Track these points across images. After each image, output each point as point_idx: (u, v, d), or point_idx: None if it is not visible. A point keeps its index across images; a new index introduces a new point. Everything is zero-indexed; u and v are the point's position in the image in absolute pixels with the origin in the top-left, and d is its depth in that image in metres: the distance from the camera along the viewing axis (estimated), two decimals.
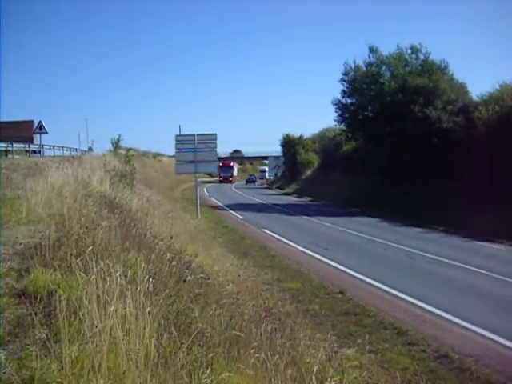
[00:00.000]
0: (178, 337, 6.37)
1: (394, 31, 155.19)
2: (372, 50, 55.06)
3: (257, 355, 6.77)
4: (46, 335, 5.70)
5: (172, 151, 44.85)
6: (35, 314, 6.01)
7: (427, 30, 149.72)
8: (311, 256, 24.11)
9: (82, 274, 6.81)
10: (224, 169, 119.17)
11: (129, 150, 42.91)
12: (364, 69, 55.44)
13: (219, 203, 55.92)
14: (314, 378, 6.90)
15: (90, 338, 5.52)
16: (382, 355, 11.54)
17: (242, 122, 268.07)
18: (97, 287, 6.36)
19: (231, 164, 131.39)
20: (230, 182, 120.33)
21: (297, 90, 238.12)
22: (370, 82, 53.87)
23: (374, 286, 18.32)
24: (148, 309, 6.31)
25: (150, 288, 7.02)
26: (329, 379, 7.24)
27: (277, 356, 7.04)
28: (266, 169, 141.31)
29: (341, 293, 17.17)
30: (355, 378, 8.66)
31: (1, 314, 6.37)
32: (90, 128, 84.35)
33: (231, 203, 54.82)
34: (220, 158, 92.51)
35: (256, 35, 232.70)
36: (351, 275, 20.11)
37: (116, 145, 41.53)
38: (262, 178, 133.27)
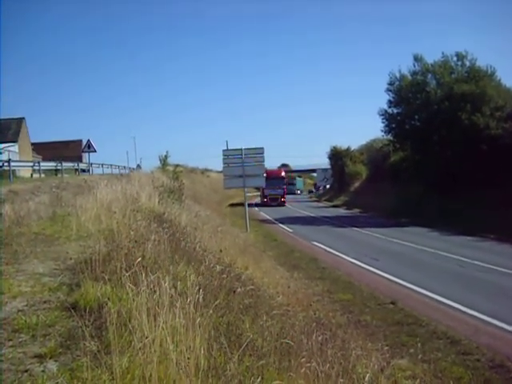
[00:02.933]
0: (229, 347, 6.34)
1: (439, 43, 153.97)
2: (417, 58, 54.81)
3: (308, 364, 6.68)
4: (97, 347, 5.73)
5: (220, 167, 44.86)
6: (86, 326, 6.05)
7: (473, 36, 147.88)
8: (361, 267, 23.96)
9: (131, 286, 6.83)
10: (272, 182, 73.41)
11: (176, 166, 43.18)
12: (409, 78, 55.26)
13: (268, 217, 55.99)
14: None
15: (140, 349, 5.53)
16: (435, 365, 11.33)
17: (289, 136, 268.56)
18: (147, 299, 6.38)
19: (282, 174, 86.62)
20: (283, 203, 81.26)
21: (344, 102, 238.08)
22: (416, 91, 53.45)
23: (426, 296, 18.10)
24: (198, 320, 6.29)
25: (200, 300, 7.00)
26: None
27: (328, 365, 6.95)
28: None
29: (392, 303, 17.01)
30: None
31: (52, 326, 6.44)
32: (138, 146, 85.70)
33: (280, 217, 54.83)
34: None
35: (303, 50, 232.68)
36: (402, 285, 19.91)
37: (164, 161, 41.88)
38: (311, 191, 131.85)
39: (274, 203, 80.00)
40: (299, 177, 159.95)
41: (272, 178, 75.47)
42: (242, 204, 38.68)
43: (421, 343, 12.48)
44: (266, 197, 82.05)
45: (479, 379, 10.58)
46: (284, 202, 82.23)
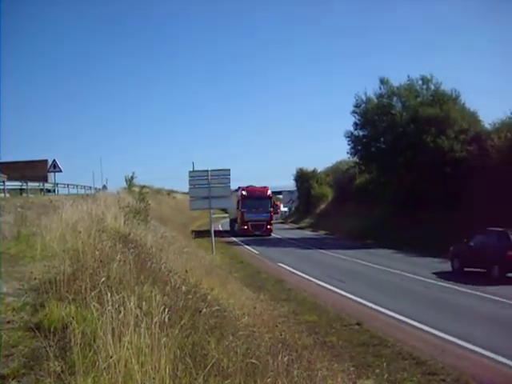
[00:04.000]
0: (194, 367, 6.31)
1: (403, 65, 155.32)
2: (383, 81, 55.34)
3: None
4: (61, 367, 5.68)
5: (186, 188, 44.64)
6: (50, 346, 5.99)
7: (438, 61, 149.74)
8: (327, 288, 24.06)
9: (96, 306, 6.79)
10: (254, 203, 62.12)
11: (143, 187, 42.90)
12: (375, 100, 55.76)
13: (234, 239, 55.87)
14: None
15: (104, 369, 5.49)
16: None
17: (255, 158, 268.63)
18: (111, 319, 6.33)
19: (268, 193, 65.69)
20: (269, 232, 62.17)
21: (309, 123, 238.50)
22: (382, 114, 53.94)
23: (391, 317, 18.23)
24: (163, 340, 6.25)
25: (166, 320, 6.97)
26: None
27: None
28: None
29: (358, 324, 17.08)
30: None
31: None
32: (104, 166, 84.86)
33: (246, 239, 54.74)
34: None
35: (265, 74, 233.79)
36: (368, 306, 20.01)
37: (130, 182, 41.60)
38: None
39: (257, 231, 60.50)
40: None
41: (254, 197, 62.87)
42: (207, 231, 38.10)
43: (386, 364, 12.55)
44: (245, 223, 61.43)
45: None
46: (270, 230, 62.73)
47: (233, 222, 69.88)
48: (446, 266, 31.00)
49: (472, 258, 28.78)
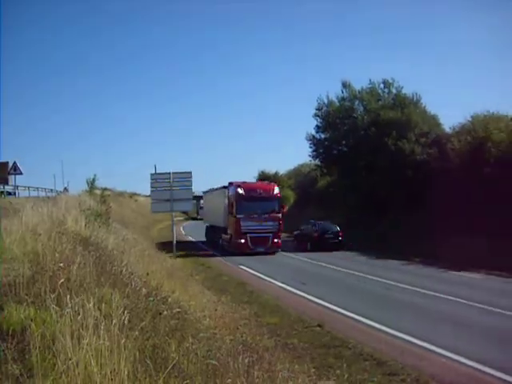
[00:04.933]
0: (154, 369, 6.31)
1: (365, 66, 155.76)
2: (345, 85, 55.92)
3: None
4: (20, 370, 5.64)
5: (148, 191, 44.39)
6: (8, 349, 5.95)
7: (400, 62, 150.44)
8: (289, 291, 24.11)
9: (56, 308, 6.76)
10: (253, 205, 42.86)
11: (104, 189, 42.61)
12: (337, 104, 56.24)
13: (196, 241, 55.58)
14: None
15: (63, 371, 5.47)
16: None
17: (217, 161, 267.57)
18: (71, 321, 6.32)
19: (276, 192, 45.13)
20: (276, 248, 42.96)
21: (272, 126, 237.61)
22: (344, 117, 54.63)
23: (352, 319, 18.32)
24: (123, 342, 6.25)
25: (126, 322, 6.95)
26: None
27: None
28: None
29: (319, 326, 17.12)
30: None
31: None
32: (65, 169, 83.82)
33: (205, 241, 54.53)
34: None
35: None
36: (329, 308, 20.08)
37: (91, 185, 41.25)
38: None
39: (259, 248, 41.97)
40: None
41: (256, 198, 43.09)
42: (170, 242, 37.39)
43: (347, 365, 12.62)
44: (243, 235, 42.28)
45: None
46: (278, 245, 43.10)
47: (212, 230, 53.35)
48: (407, 267, 31.38)
49: (301, 237, 48.18)
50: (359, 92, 55.46)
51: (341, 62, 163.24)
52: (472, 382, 11.91)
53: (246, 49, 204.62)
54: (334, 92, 57.18)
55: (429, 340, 14.91)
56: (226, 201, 45.92)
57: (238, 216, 42.14)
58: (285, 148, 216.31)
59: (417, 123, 47.66)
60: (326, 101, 57.12)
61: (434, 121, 50.30)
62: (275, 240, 42.28)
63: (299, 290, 23.92)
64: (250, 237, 41.65)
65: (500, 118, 40.56)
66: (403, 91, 53.27)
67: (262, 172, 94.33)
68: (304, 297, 22.54)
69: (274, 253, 41.49)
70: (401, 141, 46.03)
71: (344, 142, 55.88)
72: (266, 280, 27.65)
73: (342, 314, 19.15)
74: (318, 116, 57.66)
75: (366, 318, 18.04)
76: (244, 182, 45.88)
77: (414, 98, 51.89)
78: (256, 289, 24.64)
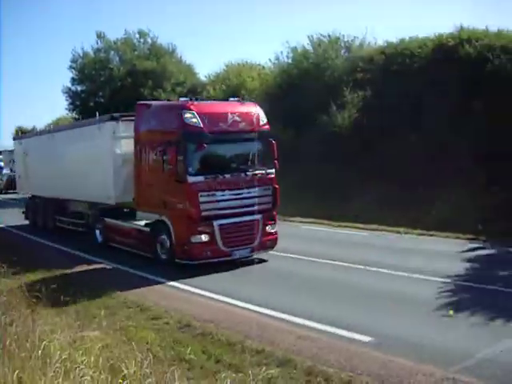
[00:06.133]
0: None
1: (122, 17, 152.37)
2: (99, 35, 55.39)
3: None
4: None
5: None
6: None
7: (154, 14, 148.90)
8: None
9: None
10: (222, 155, 17.85)
11: None
12: (92, 55, 55.63)
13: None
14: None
15: None
16: (126, 333, 11.56)
17: None
18: None
19: (262, 122, 17.90)
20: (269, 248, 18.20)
21: (25, 78, 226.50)
22: (100, 68, 54.20)
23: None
24: None
25: None
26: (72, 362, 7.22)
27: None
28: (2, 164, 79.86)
29: None
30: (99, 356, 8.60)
31: None
32: None
33: None
34: None
35: None
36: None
37: None
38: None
39: (240, 249, 17.48)
40: None
41: (224, 136, 17.39)
42: None
43: (112, 315, 12.72)
44: (201, 224, 16.84)
45: (169, 340, 10.94)
46: (274, 237, 18.38)
47: (34, 207, 29.93)
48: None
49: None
50: (114, 43, 55.14)
51: (97, 13, 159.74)
52: (229, 317, 12.43)
53: None
54: (89, 43, 56.45)
55: (187, 283, 15.42)
56: (137, 148, 19.51)
57: (191, 179, 16.83)
58: (43, 102, 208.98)
59: (172, 73, 48.46)
60: (81, 53, 56.10)
61: (189, 70, 51.33)
62: (268, 228, 18.44)
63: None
64: (221, 227, 17.16)
65: (253, 67, 42.12)
66: (159, 41, 53.97)
67: (20, 128, 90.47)
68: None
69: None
70: (157, 91, 46.54)
71: (101, 94, 55.44)
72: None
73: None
74: (74, 68, 56.55)
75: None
76: (191, 100, 18.73)
77: (170, 48, 52.50)
78: None
